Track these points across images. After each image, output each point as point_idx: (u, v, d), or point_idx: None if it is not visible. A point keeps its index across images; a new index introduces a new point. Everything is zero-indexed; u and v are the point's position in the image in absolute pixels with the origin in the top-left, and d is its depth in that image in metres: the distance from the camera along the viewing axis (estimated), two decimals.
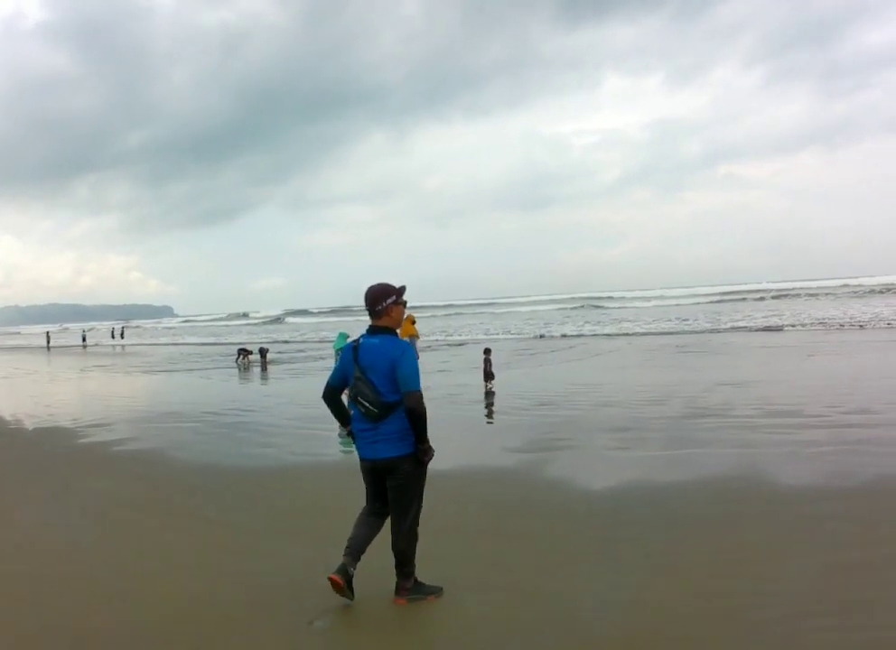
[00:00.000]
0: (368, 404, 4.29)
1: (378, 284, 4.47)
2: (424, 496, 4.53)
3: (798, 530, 5.66)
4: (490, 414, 13.04)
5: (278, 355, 32.10)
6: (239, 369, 26.38)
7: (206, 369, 27.38)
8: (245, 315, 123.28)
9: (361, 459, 4.51)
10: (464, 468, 8.37)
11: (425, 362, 22.02)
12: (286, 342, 44.55)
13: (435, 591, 4.65)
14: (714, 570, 4.95)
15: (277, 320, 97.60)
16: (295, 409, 14.36)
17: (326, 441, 10.74)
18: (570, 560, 5.33)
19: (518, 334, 40.00)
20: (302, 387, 19.21)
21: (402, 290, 4.48)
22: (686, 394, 13.32)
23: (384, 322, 4.40)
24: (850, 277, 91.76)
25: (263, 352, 28.15)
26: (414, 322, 17.56)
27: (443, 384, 17.48)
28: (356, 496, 7.59)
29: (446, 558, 5.21)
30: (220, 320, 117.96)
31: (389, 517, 4.57)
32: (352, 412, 4.47)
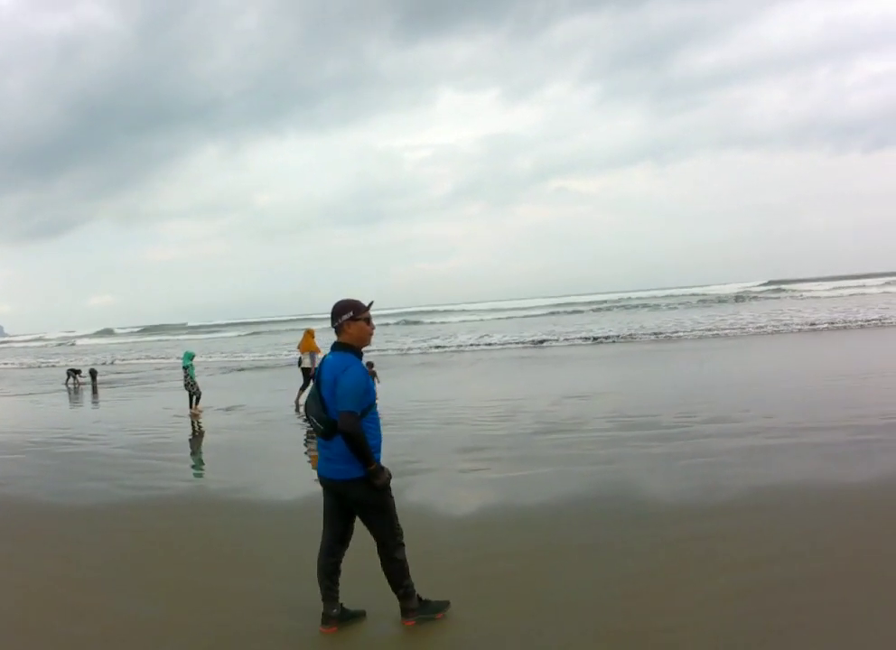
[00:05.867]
0: (315, 421, 4.42)
1: (341, 301, 4.54)
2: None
3: (683, 553, 5.52)
4: None
5: (110, 376, 30.90)
6: (69, 392, 25.49)
7: (34, 394, 25.57)
8: (40, 339, 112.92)
9: (319, 476, 4.57)
10: (305, 498, 7.66)
11: (283, 380, 21.31)
12: (114, 363, 41.77)
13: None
14: (606, 606, 4.65)
15: (71, 343, 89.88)
16: (128, 436, 13.73)
17: (163, 473, 10.06)
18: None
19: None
20: (134, 412, 18.58)
21: (361, 306, 4.51)
22: (534, 409, 13.32)
23: (342, 339, 4.51)
24: (677, 287, 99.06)
25: (93, 374, 27.93)
26: (314, 336, 17.13)
27: (283, 404, 16.57)
28: (202, 536, 6.73)
29: (301, 607, 4.53)
30: (32, 341, 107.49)
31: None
32: None
